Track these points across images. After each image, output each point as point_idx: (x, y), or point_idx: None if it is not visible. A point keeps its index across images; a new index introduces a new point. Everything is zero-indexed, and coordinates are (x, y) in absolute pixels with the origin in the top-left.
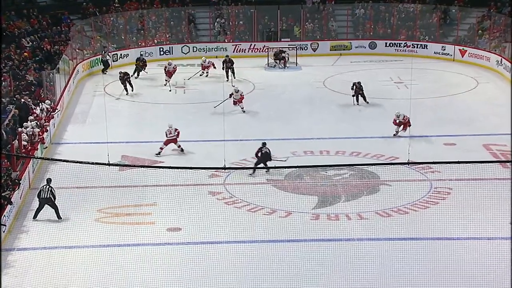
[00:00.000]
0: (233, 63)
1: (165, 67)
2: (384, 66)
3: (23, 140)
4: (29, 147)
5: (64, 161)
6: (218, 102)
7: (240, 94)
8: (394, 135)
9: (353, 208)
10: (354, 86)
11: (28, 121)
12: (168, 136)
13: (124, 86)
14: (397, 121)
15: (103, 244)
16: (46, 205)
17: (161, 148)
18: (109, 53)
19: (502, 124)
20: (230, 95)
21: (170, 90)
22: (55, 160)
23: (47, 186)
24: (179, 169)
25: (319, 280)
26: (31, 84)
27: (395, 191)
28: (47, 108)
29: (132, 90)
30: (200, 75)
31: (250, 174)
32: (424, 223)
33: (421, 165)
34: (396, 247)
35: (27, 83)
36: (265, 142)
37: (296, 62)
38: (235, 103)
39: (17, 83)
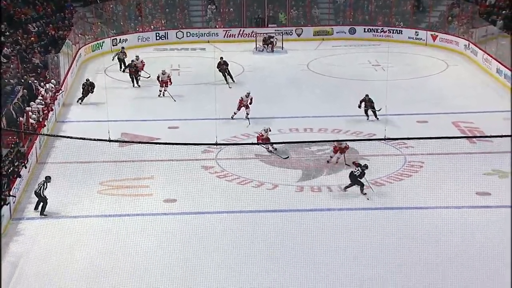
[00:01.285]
0: (228, 65)
1: (158, 76)
2: (363, 50)
3: (31, 118)
4: (36, 125)
5: (68, 137)
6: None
7: (250, 98)
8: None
9: (334, 181)
10: (364, 101)
11: (35, 101)
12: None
13: (132, 78)
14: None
15: (105, 214)
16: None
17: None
18: (125, 52)
19: (469, 103)
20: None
21: (160, 95)
22: (60, 137)
23: (46, 183)
24: (175, 145)
25: (302, 246)
26: (37, 67)
27: (373, 165)
28: (52, 88)
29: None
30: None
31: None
32: (399, 194)
33: (396, 141)
34: (373, 216)
35: (34, 66)
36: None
37: (282, 47)
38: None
39: (24, 65)
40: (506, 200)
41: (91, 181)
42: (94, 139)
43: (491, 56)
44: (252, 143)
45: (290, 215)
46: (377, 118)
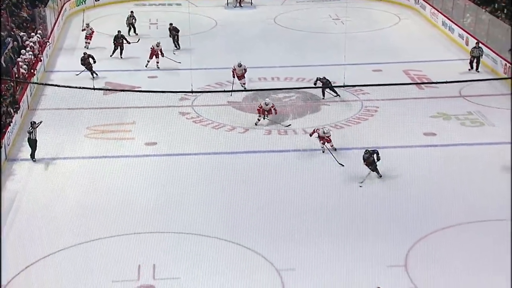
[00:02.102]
0: (178, 31)
1: (153, 46)
2: (324, 5)
3: (21, 68)
4: (27, 74)
5: (56, 86)
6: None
7: (244, 69)
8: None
9: (299, 125)
10: (320, 81)
11: (25, 51)
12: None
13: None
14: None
15: (92, 156)
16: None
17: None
18: (135, 16)
19: (418, 53)
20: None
21: (146, 65)
22: (49, 85)
23: (33, 129)
24: (154, 93)
25: (271, 183)
26: (25, 20)
27: (333, 110)
28: (39, 40)
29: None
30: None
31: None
32: (357, 135)
33: (354, 88)
34: (334, 155)
35: (22, 19)
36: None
37: (251, 2)
38: (239, 78)
39: (13, 19)
40: (449, 139)
41: (78, 126)
42: (80, 87)
43: (437, 10)
44: (225, 91)
45: (260, 156)
46: (338, 95)
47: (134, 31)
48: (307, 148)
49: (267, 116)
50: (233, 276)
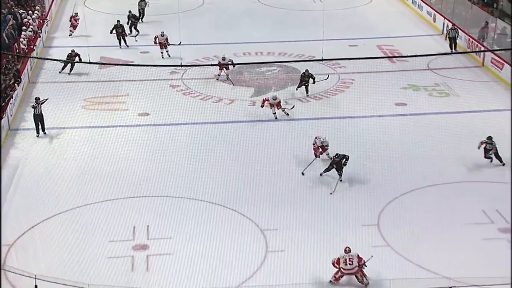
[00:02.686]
0: (138, 18)
1: (156, 37)
2: None
3: (22, 44)
4: (27, 50)
5: (55, 60)
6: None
7: (229, 62)
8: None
9: (281, 96)
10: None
11: (26, 28)
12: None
13: (120, 39)
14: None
15: (89, 126)
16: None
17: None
18: (147, 1)
19: (391, 29)
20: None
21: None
22: (48, 60)
23: (37, 105)
24: (146, 67)
25: (256, 151)
26: None
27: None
28: (37, 16)
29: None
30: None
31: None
32: (334, 106)
33: (331, 61)
34: (313, 124)
35: None
36: None
37: None
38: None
39: None
40: (419, 109)
41: (76, 98)
42: (77, 61)
43: None
44: (212, 65)
45: (244, 126)
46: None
47: (142, 18)
48: (288, 119)
49: (277, 109)
50: (221, 235)
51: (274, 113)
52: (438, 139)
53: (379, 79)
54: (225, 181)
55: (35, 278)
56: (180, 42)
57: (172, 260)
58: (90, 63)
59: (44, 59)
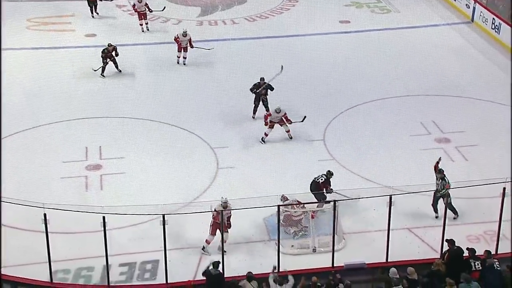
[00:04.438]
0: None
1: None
2: None
3: None
4: None
5: None
6: None
7: (189, 39)
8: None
9: (228, 15)
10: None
11: None
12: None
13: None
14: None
15: (35, 47)
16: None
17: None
18: None
19: None
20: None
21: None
22: None
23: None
24: None
25: (204, 71)
26: None
27: (259, 1)
28: None
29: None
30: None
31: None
32: (280, 24)
33: None
34: (259, 44)
35: None
36: None
37: None
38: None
39: None
40: (361, 25)
41: (19, 18)
42: None
43: None
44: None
45: (192, 51)
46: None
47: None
48: (236, 37)
49: (288, 124)
50: (173, 154)
51: (288, 132)
52: (380, 56)
53: None
54: (175, 101)
55: None
56: (164, 7)
57: (125, 178)
58: None
59: None
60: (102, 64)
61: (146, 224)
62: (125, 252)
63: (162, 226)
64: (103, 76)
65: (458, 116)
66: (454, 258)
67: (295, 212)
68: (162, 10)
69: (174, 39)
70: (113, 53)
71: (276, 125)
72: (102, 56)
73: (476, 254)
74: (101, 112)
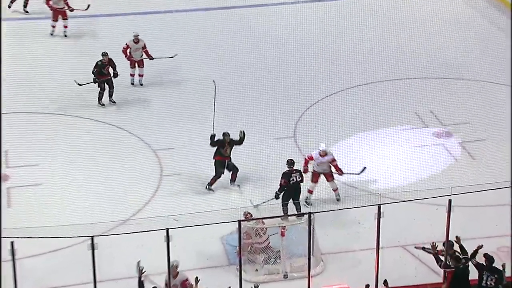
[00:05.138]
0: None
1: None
2: None
3: None
4: None
5: None
6: None
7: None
8: None
9: None
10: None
11: None
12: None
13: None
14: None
15: None
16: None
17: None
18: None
19: None
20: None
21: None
22: None
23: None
24: None
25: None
26: None
27: None
28: None
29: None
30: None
31: None
32: None
33: None
34: (213, 15)
35: None
36: None
37: None
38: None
39: None
40: None
41: None
42: None
43: None
44: None
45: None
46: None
47: None
48: (180, 9)
49: (334, 173)
50: (105, 159)
51: (336, 191)
52: (363, 30)
53: None
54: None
55: None
56: (89, 6)
57: (41, 191)
58: None
59: None
60: (93, 83)
61: (70, 249)
62: (40, 287)
63: (90, 251)
64: (102, 104)
65: (462, 104)
66: (458, 280)
67: (259, 237)
68: (86, 9)
69: (123, 51)
70: (110, 69)
71: None
72: (94, 74)
73: (493, 264)
74: (7, 106)
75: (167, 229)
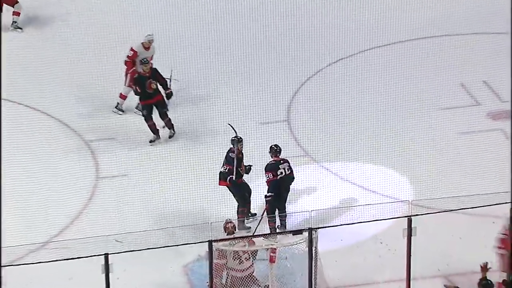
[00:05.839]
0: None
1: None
2: None
3: None
4: None
5: None
6: None
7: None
8: None
9: None
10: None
11: None
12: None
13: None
14: None
15: None
16: None
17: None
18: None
19: None
20: None
21: None
22: None
23: None
24: None
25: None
26: None
27: None
28: None
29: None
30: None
31: None
32: None
33: None
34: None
35: None
36: None
37: None
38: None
39: None
40: None
41: None
42: None
43: None
44: None
45: None
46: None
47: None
48: None
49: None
50: (18, 154)
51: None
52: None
53: None
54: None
55: None
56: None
57: None
58: None
59: None
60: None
61: None
62: None
63: None
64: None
65: None
66: None
67: (239, 262)
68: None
69: (126, 62)
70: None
71: None
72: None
73: None
74: None
75: (106, 255)
